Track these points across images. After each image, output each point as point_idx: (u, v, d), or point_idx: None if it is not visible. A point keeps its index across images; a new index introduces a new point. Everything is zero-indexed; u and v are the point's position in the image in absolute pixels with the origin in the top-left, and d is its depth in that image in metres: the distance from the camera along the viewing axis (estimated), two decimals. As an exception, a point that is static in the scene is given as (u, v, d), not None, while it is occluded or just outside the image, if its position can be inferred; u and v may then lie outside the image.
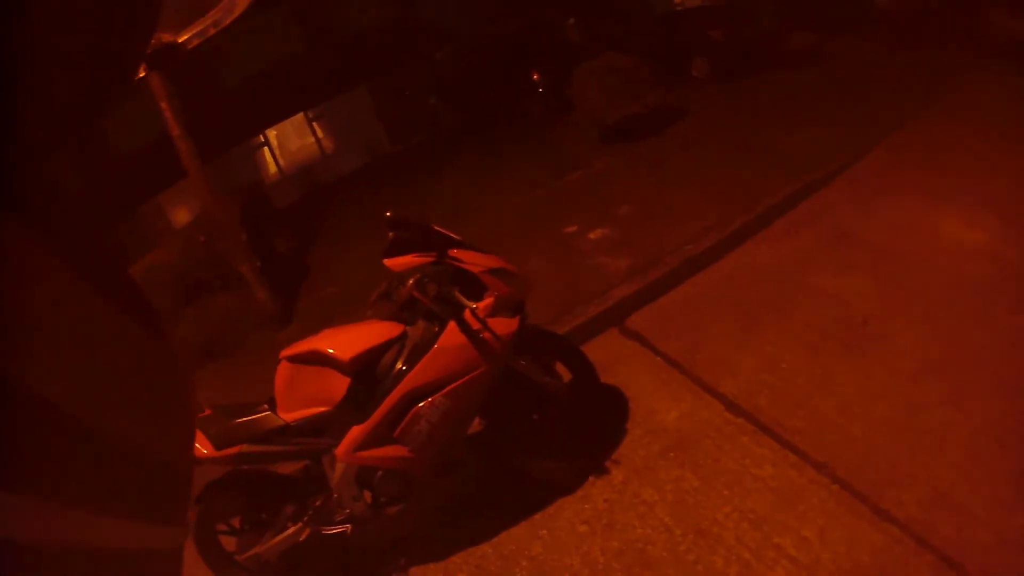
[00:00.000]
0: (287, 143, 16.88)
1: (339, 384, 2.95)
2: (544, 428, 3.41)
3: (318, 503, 3.19)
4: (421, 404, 2.91)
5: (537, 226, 6.73)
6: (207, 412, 3.15)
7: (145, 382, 0.78)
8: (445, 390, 2.92)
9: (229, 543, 3.36)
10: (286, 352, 3.09)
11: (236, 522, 3.35)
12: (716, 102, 8.63)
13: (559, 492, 3.47)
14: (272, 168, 16.96)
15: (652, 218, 5.94)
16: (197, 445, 3.00)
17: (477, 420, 3.28)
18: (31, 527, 0.53)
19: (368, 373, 2.96)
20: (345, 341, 2.99)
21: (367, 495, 3.15)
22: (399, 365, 2.95)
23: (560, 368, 3.58)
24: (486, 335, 2.97)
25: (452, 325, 2.96)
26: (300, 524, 3.19)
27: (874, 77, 7.86)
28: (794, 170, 5.94)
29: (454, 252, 3.08)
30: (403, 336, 3.03)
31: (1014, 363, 3.51)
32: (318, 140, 16.76)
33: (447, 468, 3.19)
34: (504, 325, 3.04)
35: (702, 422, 3.64)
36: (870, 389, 3.57)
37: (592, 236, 6.02)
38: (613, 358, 4.36)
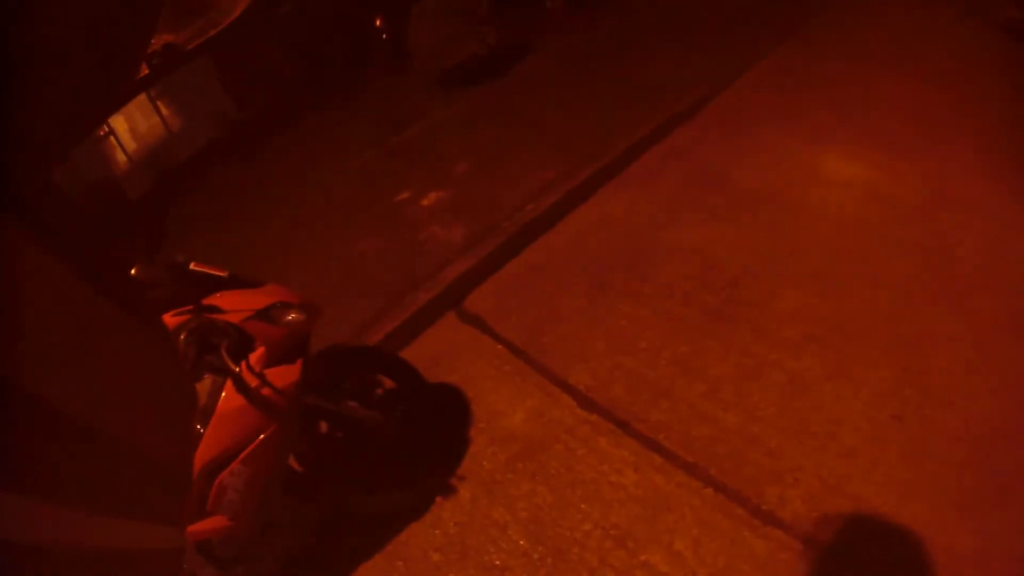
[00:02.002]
0: (136, 127, 15.48)
1: None
2: (369, 460, 3.20)
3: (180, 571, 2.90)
4: (222, 475, 2.70)
5: (367, 194, 6.02)
6: None
7: (145, 382, 0.78)
8: (240, 457, 2.70)
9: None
10: None
11: None
12: (569, 37, 7.82)
13: (409, 517, 3.19)
14: (122, 158, 15.58)
15: (491, 175, 5.21)
16: None
17: (299, 463, 3.14)
18: (31, 527, 0.54)
19: None
20: None
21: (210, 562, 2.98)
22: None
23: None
24: (266, 391, 2.70)
25: (229, 386, 2.70)
26: None
27: (740, 4, 7.24)
28: (650, 108, 5.27)
29: (215, 299, 2.87)
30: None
31: (908, 321, 3.16)
32: (163, 119, 15.42)
33: (276, 523, 3.04)
34: (284, 375, 2.77)
35: (552, 423, 3.23)
36: (744, 366, 3.12)
37: (425, 203, 5.30)
38: (451, 349, 3.89)
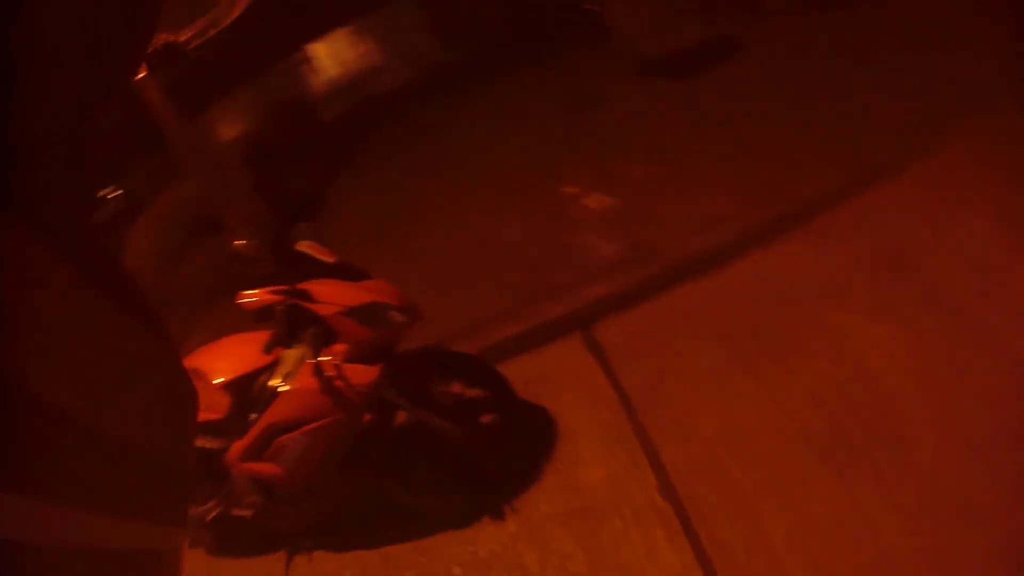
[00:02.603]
0: (339, 53, 16.24)
1: (221, 399, 3.09)
2: (432, 461, 3.31)
3: (224, 491, 3.38)
4: (282, 438, 2.95)
5: (530, 177, 5.79)
6: None
7: (145, 382, 0.79)
8: (303, 429, 2.92)
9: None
10: (185, 363, 2.95)
11: None
12: (787, 42, 6.63)
13: (448, 523, 3.26)
14: (319, 81, 16.43)
15: (667, 188, 4.76)
16: None
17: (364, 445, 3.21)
18: (31, 527, 0.55)
19: (242, 394, 3.07)
20: (225, 362, 3.15)
21: (260, 494, 3.27)
22: (268, 390, 3.00)
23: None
24: (339, 384, 2.87)
25: (307, 368, 2.90)
26: (214, 502, 3.43)
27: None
28: (859, 150, 4.36)
29: (314, 285, 2.96)
30: (276, 361, 3.01)
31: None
32: (367, 52, 15.99)
33: (322, 490, 3.23)
34: (362, 374, 2.91)
35: (624, 495, 3.03)
36: (843, 519, 2.58)
37: (590, 203, 4.99)
38: (561, 373, 3.74)
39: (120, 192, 20.16)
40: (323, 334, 2.90)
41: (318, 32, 15.80)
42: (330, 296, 2.92)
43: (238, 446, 3.10)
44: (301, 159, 9.41)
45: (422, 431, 3.19)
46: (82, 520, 0.61)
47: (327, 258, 3.08)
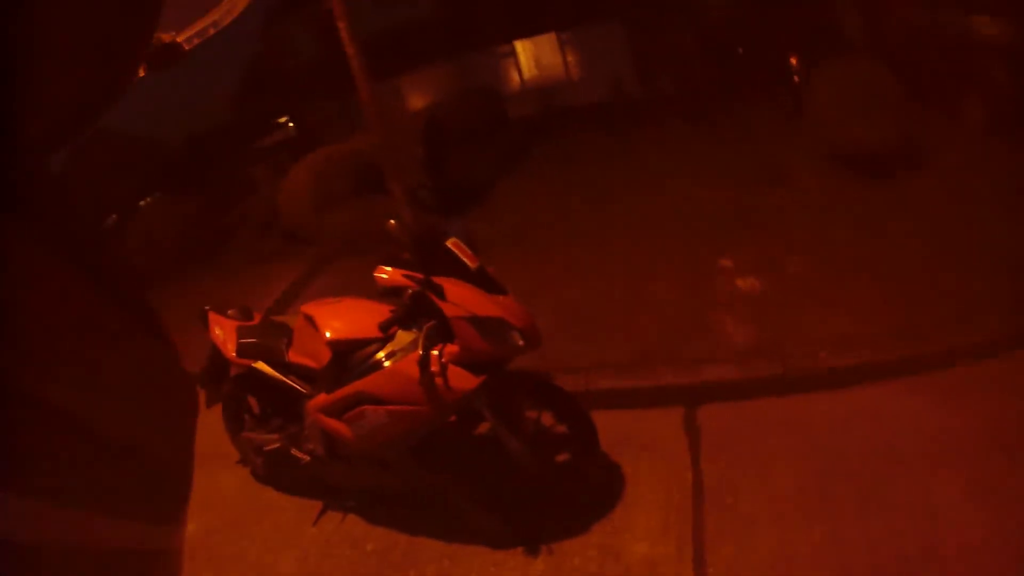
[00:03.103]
0: (537, 58, 16.56)
1: (325, 353, 3.28)
2: (495, 477, 3.34)
3: (294, 429, 3.71)
4: (367, 407, 3.07)
5: (688, 237, 5.74)
6: (256, 319, 4.13)
7: (145, 382, 0.79)
8: (389, 407, 3.03)
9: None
10: (304, 308, 3.51)
11: (253, 406, 4.15)
12: (984, 161, 6.08)
13: (486, 540, 3.30)
14: (515, 79, 16.75)
15: (816, 289, 4.61)
16: (229, 344, 3.85)
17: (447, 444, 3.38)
18: (31, 527, 0.55)
19: (345, 356, 3.21)
20: (342, 321, 3.30)
21: (324, 445, 3.49)
22: (371, 362, 3.11)
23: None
24: (438, 381, 2.93)
25: (413, 355, 2.96)
26: (278, 436, 3.82)
27: None
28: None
29: (449, 283, 3.04)
30: (387, 338, 3.12)
31: None
32: (565, 63, 16.21)
33: (383, 464, 3.34)
34: (463, 379, 2.95)
35: None
36: None
37: (740, 283, 4.94)
38: (649, 442, 3.67)
39: (292, 123, 21.23)
40: (441, 331, 2.95)
41: (527, 31, 16.24)
42: (460, 299, 2.97)
43: (323, 399, 3.26)
44: (474, 148, 9.65)
45: (497, 447, 3.20)
46: (82, 520, 0.62)
47: (469, 261, 3.13)
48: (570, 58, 16.27)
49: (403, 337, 3.09)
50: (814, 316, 4.29)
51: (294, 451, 3.75)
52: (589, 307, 4.96)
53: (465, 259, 3.13)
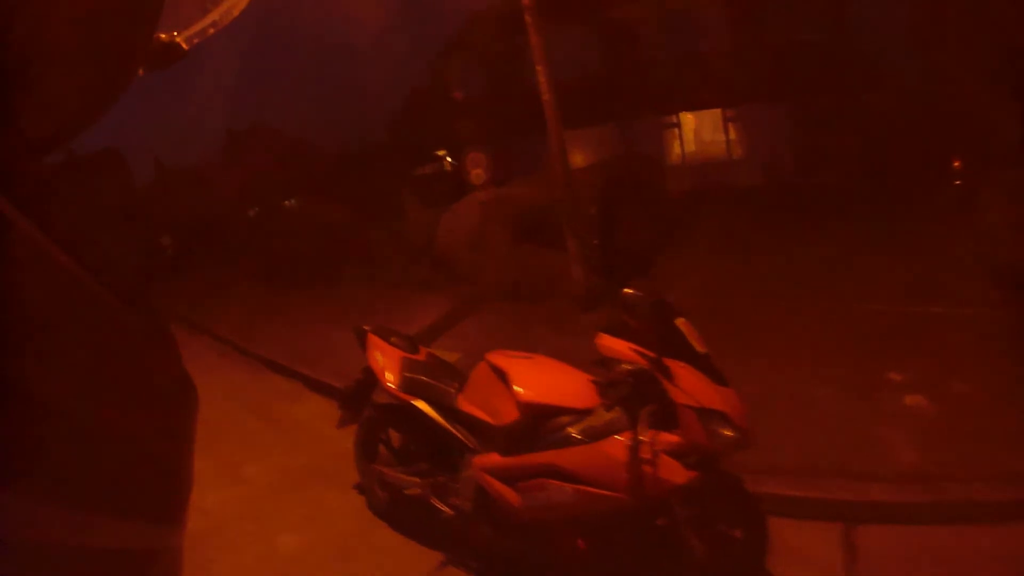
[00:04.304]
0: (698, 132, 16.65)
1: (510, 412, 3.07)
2: (658, 569, 3.16)
3: (442, 478, 3.49)
4: (551, 481, 2.91)
5: (866, 346, 5.52)
6: (422, 353, 3.87)
7: (146, 383, 0.79)
8: (578, 487, 2.85)
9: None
10: (491, 356, 3.34)
11: (393, 439, 3.96)
12: None
13: None
14: (676, 151, 16.92)
15: (989, 420, 4.31)
16: (389, 374, 3.64)
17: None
18: (31, 527, 0.55)
19: (536, 421, 3.03)
20: (538, 383, 3.12)
21: (476, 504, 3.32)
22: (565, 433, 2.96)
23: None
24: (647, 469, 2.73)
25: (624, 438, 2.80)
26: (420, 481, 3.59)
27: None
28: None
29: (677, 367, 2.82)
30: (590, 412, 2.96)
31: None
32: (728, 141, 16.26)
33: (538, 539, 3.19)
34: (674, 472, 2.74)
35: None
36: None
37: (907, 400, 4.69)
38: (805, 555, 3.47)
39: (449, 158, 21.90)
40: (661, 417, 2.75)
41: (692, 104, 16.38)
42: (688, 385, 2.76)
43: (496, 460, 3.12)
44: (637, 215, 9.75)
45: (668, 542, 3.03)
46: (82, 520, 0.61)
47: (698, 345, 2.89)
48: (732, 136, 16.34)
49: (603, 414, 2.90)
50: (984, 445, 4.06)
51: (435, 500, 3.51)
52: (752, 404, 4.86)
53: (693, 342, 2.90)
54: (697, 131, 16.67)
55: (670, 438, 2.75)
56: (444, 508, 3.48)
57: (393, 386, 3.61)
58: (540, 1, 7.09)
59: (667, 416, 2.76)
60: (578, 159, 15.58)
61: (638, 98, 15.23)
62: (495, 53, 18.64)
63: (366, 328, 4.07)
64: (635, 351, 2.83)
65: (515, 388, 3.05)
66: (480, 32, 18.32)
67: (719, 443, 2.75)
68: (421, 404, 3.49)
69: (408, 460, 3.83)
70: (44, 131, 0.68)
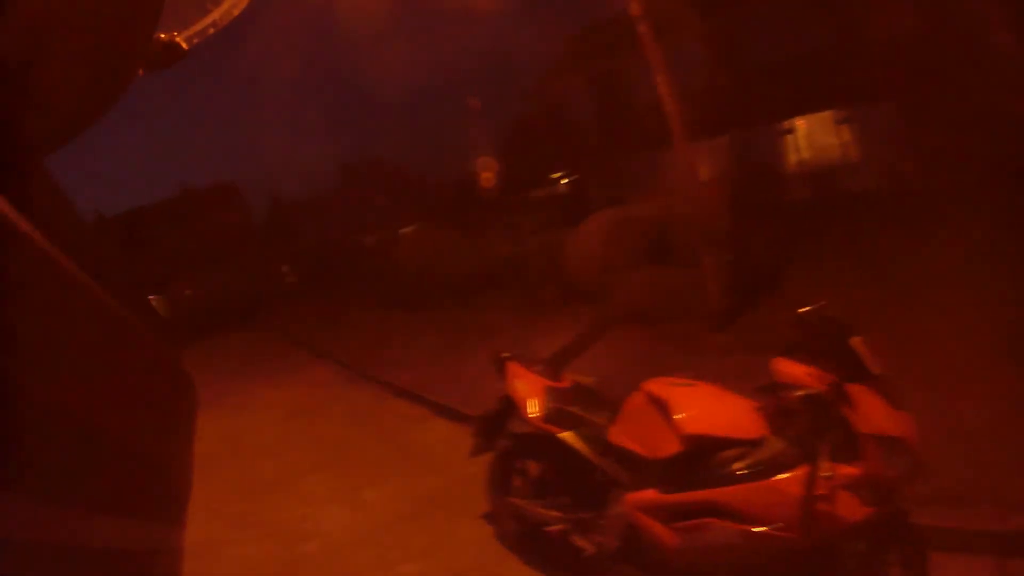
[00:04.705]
0: (811, 137, 15.89)
1: (670, 444, 2.81)
2: None
3: (586, 515, 3.25)
4: (715, 521, 2.63)
5: (992, 353, 4.96)
6: (566, 381, 3.67)
7: (146, 383, 0.80)
8: (746, 527, 2.56)
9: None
10: (649, 385, 3.05)
11: (529, 468, 3.74)
12: None
13: None
14: (792, 159, 16.22)
15: None
16: (532, 404, 3.46)
17: None
18: (31, 527, 0.54)
19: (699, 454, 2.75)
20: (702, 412, 2.85)
21: (624, 543, 3.07)
22: (732, 468, 2.68)
23: None
24: (823, 507, 2.45)
25: (798, 472, 2.51)
26: (562, 516, 3.36)
27: None
28: None
29: (856, 391, 2.54)
30: (758, 443, 2.70)
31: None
32: (843, 144, 15.36)
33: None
34: (851, 509, 2.48)
35: None
36: None
37: None
38: None
39: (565, 180, 21.96)
40: (839, 447, 2.49)
41: (804, 108, 15.66)
42: (871, 413, 2.50)
43: (652, 497, 2.85)
44: (761, 226, 9.32)
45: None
46: (82, 520, 0.61)
47: (874, 368, 2.60)
48: (845, 140, 15.47)
49: (774, 445, 2.65)
50: None
51: (576, 537, 3.30)
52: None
53: (870, 364, 2.61)
54: (810, 136, 15.91)
55: (849, 471, 2.48)
56: (586, 546, 3.26)
57: (537, 416, 3.42)
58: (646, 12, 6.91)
59: (845, 446, 2.51)
60: (703, 174, 15.16)
61: (748, 106, 14.68)
62: (602, 71, 18.46)
63: (505, 355, 3.89)
64: (813, 376, 2.57)
65: (676, 418, 2.79)
66: (587, 49, 18.19)
67: (899, 474, 2.52)
68: (568, 436, 3.28)
69: (546, 493, 3.60)
70: (44, 131, 0.70)
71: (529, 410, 3.46)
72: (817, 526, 2.47)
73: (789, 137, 16.13)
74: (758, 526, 2.54)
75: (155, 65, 1.72)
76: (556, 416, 3.37)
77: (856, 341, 2.65)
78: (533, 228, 14.63)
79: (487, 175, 20.99)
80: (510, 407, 3.68)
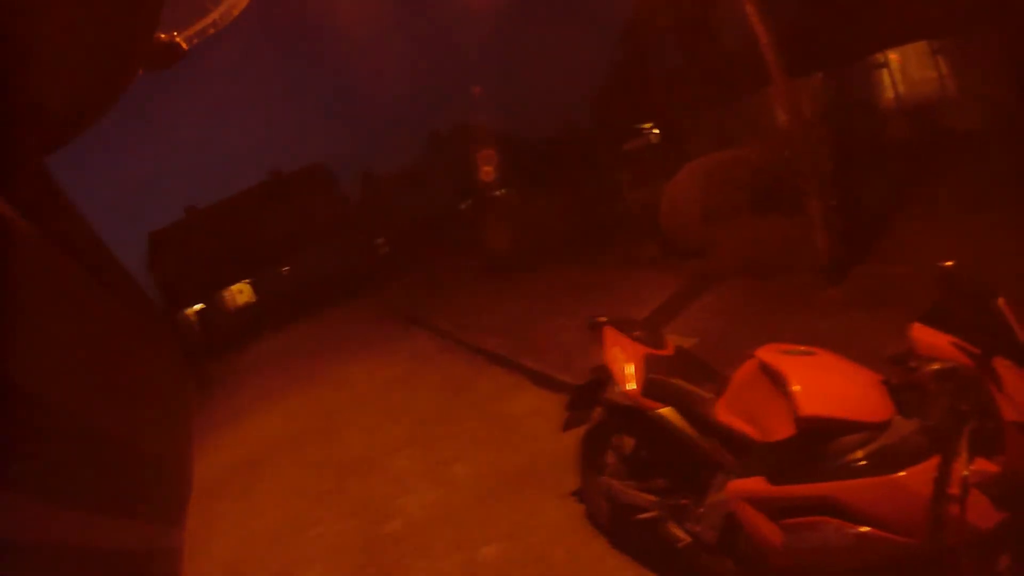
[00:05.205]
0: (907, 72, 14.59)
1: (783, 426, 2.44)
2: None
3: (684, 501, 3.00)
4: (828, 519, 2.26)
5: None
6: (669, 346, 3.33)
7: (146, 383, 0.78)
8: (866, 529, 2.17)
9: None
10: (763, 353, 2.66)
11: (624, 445, 3.47)
12: None
13: None
14: (888, 96, 15.00)
15: None
16: (629, 375, 3.14)
17: None
18: (31, 527, 0.55)
19: (816, 440, 2.37)
20: (821, 389, 2.42)
21: (722, 535, 2.78)
22: (852, 457, 2.27)
23: None
24: (955, 509, 1.99)
25: (929, 465, 2.06)
26: (657, 500, 3.11)
27: None
28: None
29: (1003, 367, 2.03)
30: (883, 427, 2.26)
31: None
32: (941, 77, 14.03)
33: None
34: (984, 513, 2.00)
35: None
36: None
37: None
38: None
39: (656, 130, 21.30)
40: (980, 438, 2.03)
41: (896, 39, 14.43)
42: (1020, 393, 2.03)
43: (759, 486, 2.52)
44: (865, 171, 8.62)
45: None
46: (82, 520, 0.61)
47: (1021, 334, 2.14)
48: (941, 73, 14.15)
49: (902, 429, 2.23)
50: None
51: (671, 524, 3.04)
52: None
53: (1019, 333, 2.13)
54: (904, 69, 14.61)
55: (987, 466, 2.01)
56: (680, 534, 2.99)
57: (634, 389, 3.09)
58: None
59: (985, 434, 2.03)
60: (797, 111, 14.29)
61: (836, 40, 13.64)
62: (689, 15, 17.66)
63: (602, 320, 3.54)
64: (957, 346, 2.08)
65: (793, 396, 2.39)
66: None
67: None
68: (668, 412, 2.96)
69: (642, 473, 3.33)
70: (44, 131, 0.67)
71: (626, 382, 3.14)
72: (943, 531, 2.05)
73: (883, 72, 14.91)
74: (876, 528, 2.18)
75: (155, 65, 1.69)
76: (655, 389, 3.05)
77: (1002, 303, 2.16)
78: (630, 182, 14.09)
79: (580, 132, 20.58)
80: (606, 377, 3.37)
